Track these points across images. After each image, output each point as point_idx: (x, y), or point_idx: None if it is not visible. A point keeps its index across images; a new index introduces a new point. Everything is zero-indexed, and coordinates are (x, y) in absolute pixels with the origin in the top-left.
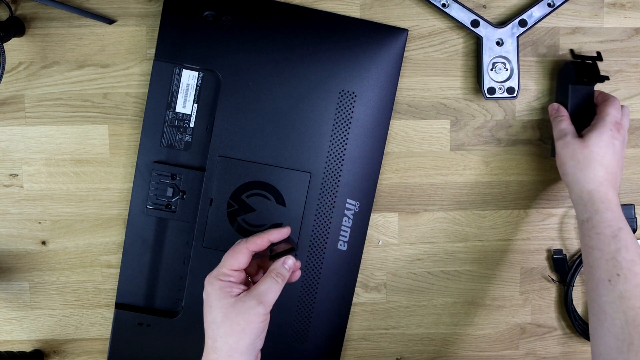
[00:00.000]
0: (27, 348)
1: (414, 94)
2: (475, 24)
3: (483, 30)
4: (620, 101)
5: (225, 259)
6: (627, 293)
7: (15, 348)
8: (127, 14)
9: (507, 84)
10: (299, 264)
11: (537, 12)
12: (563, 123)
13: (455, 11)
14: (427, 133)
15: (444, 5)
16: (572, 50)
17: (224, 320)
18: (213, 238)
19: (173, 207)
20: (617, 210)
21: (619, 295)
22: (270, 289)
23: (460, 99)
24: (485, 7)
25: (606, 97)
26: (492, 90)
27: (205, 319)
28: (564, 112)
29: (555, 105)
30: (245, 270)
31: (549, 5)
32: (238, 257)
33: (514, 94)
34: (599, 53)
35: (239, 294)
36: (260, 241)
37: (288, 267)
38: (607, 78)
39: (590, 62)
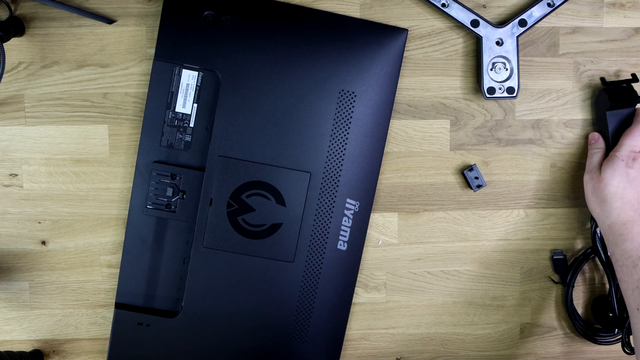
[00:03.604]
0: (27, 348)
1: (414, 94)
2: (475, 23)
3: (483, 30)
4: None
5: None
6: None
7: (15, 348)
8: (127, 14)
9: (507, 84)
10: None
11: (537, 12)
12: (594, 157)
13: (455, 11)
14: (427, 133)
15: (443, 5)
16: (602, 79)
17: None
18: (213, 238)
19: (173, 207)
20: (636, 240)
21: None
22: None
23: (460, 98)
24: (485, 7)
25: (634, 123)
26: (492, 90)
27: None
28: (600, 144)
29: (596, 135)
30: None
31: (548, 5)
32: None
33: (514, 94)
34: (634, 75)
35: None
36: None
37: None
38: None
39: (624, 85)
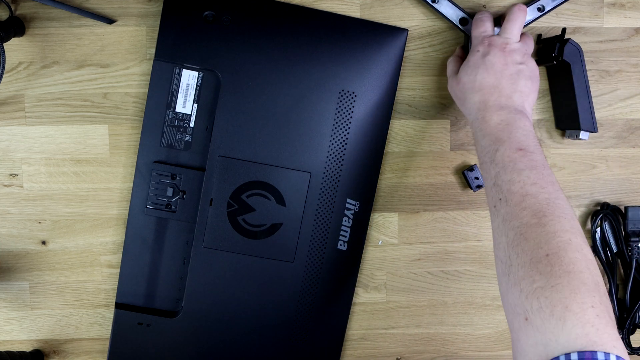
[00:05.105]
0: (27, 348)
1: (414, 94)
2: (463, 22)
3: None
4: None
5: None
6: (508, 215)
7: (15, 348)
8: (127, 14)
9: None
10: None
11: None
12: (450, 64)
13: (445, 7)
14: (427, 133)
15: (433, 0)
16: (539, 35)
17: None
18: (213, 238)
19: (173, 207)
20: (493, 133)
21: (502, 219)
22: None
23: None
24: (485, 7)
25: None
26: None
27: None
28: (458, 52)
29: (458, 48)
30: None
31: (538, 9)
32: None
33: None
34: (563, 30)
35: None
36: None
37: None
38: (559, 58)
39: (555, 41)
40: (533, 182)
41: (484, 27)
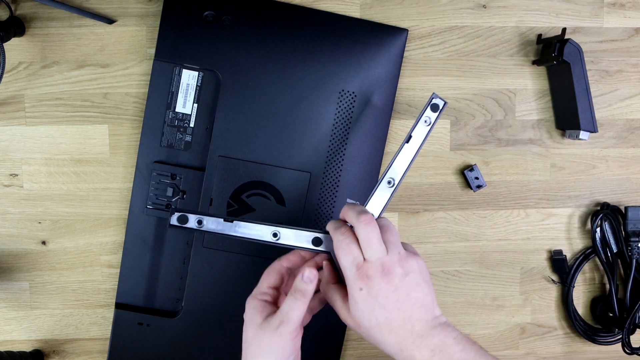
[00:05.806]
0: (27, 348)
1: (414, 94)
2: (317, 242)
3: None
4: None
5: (262, 277)
6: None
7: (15, 348)
8: (127, 14)
9: None
10: (314, 273)
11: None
12: (328, 293)
13: (287, 239)
14: None
15: (274, 235)
16: (539, 35)
17: (252, 341)
18: (213, 238)
19: (173, 207)
20: None
21: None
22: (292, 307)
23: (460, 99)
24: (485, 7)
25: (333, 239)
26: None
27: (242, 336)
28: (328, 276)
29: (312, 273)
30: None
31: (389, 183)
32: (273, 274)
33: None
34: (563, 30)
35: (269, 314)
36: (293, 257)
37: (306, 279)
38: (559, 58)
39: (556, 42)
40: None
41: (351, 252)
